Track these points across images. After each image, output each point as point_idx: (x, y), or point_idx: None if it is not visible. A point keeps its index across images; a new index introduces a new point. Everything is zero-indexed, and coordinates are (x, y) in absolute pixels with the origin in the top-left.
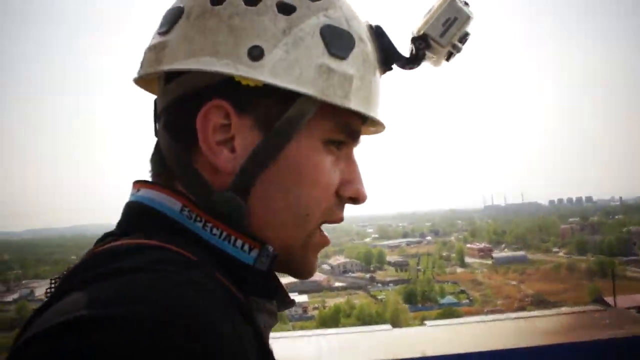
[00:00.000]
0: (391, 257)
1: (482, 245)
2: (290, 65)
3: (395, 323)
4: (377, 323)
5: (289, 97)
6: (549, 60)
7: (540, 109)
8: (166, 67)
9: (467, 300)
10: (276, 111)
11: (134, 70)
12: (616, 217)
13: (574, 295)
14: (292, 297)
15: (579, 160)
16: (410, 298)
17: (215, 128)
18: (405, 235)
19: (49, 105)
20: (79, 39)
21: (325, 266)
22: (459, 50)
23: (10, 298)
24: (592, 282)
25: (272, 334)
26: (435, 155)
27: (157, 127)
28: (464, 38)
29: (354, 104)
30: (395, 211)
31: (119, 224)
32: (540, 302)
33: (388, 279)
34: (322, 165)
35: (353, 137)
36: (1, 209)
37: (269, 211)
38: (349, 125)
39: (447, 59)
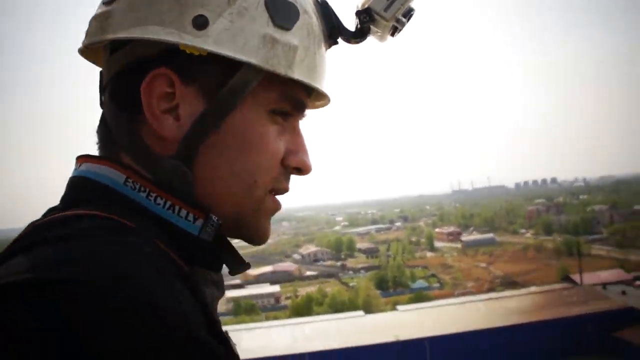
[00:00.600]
0: (361, 245)
1: (451, 229)
2: (235, 34)
3: (368, 309)
4: (349, 310)
5: (233, 66)
6: (515, 42)
7: (505, 92)
8: (110, 35)
9: (438, 284)
10: (220, 80)
11: None
12: (580, 197)
13: (542, 275)
14: (247, 261)
15: (544, 143)
16: (381, 284)
17: (160, 96)
18: (374, 222)
19: (49, 98)
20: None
21: (296, 255)
22: (402, 25)
23: None
24: (559, 262)
25: (245, 325)
26: (402, 142)
27: (103, 98)
28: (408, 13)
29: (297, 74)
30: (363, 199)
31: (62, 198)
32: (509, 283)
33: (359, 266)
34: (266, 134)
35: (298, 109)
36: (3, 205)
37: (215, 179)
38: (294, 96)
39: (392, 34)
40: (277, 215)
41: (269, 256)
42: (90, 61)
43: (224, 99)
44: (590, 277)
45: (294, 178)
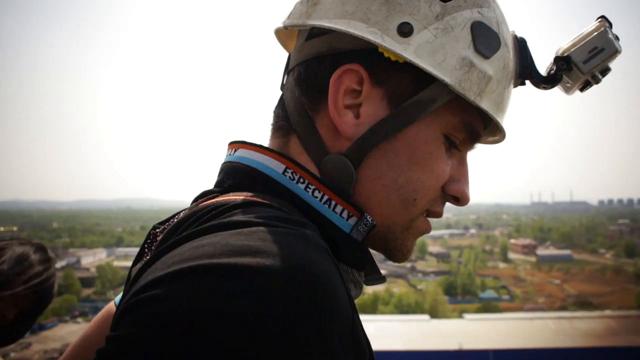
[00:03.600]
0: (433, 248)
1: (526, 241)
2: (435, 49)
3: (434, 314)
4: (415, 313)
5: (424, 80)
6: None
7: (594, 105)
8: (315, 22)
9: (508, 296)
10: (409, 90)
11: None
12: None
13: (620, 299)
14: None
15: (632, 161)
16: (450, 290)
17: (347, 91)
18: (448, 227)
19: (102, 77)
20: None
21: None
22: (597, 81)
23: (57, 265)
24: (639, 287)
25: None
26: (482, 148)
27: (285, 80)
28: (605, 71)
29: (484, 104)
30: None
31: (218, 182)
32: (583, 303)
33: (429, 269)
34: (437, 155)
35: (472, 139)
36: (53, 179)
37: (377, 186)
38: (472, 125)
39: (582, 89)
40: None
41: None
42: (279, 42)
43: (408, 110)
44: None
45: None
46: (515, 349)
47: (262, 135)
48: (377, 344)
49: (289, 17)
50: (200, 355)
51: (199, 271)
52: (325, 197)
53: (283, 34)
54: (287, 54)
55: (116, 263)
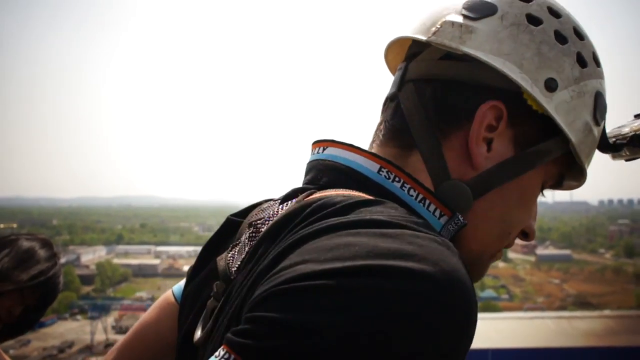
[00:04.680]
0: None
1: None
2: (569, 110)
3: None
4: None
5: (548, 132)
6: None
7: None
8: (471, 50)
9: (507, 296)
10: (534, 138)
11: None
12: None
13: (619, 299)
14: None
15: (633, 162)
16: None
17: (487, 124)
18: None
19: (103, 75)
20: None
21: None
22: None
23: None
24: (638, 287)
25: None
26: None
27: (400, 87)
28: None
29: (586, 166)
30: None
31: (312, 179)
32: (582, 303)
33: None
34: (535, 198)
35: (556, 186)
36: (53, 176)
37: (486, 217)
38: (564, 177)
39: (627, 159)
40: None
41: None
42: (388, 44)
43: (531, 157)
44: None
45: None
46: (514, 348)
47: (267, 132)
48: None
49: (435, 34)
50: (375, 351)
51: (362, 271)
52: (420, 196)
53: (398, 42)
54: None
55: (116, 260)
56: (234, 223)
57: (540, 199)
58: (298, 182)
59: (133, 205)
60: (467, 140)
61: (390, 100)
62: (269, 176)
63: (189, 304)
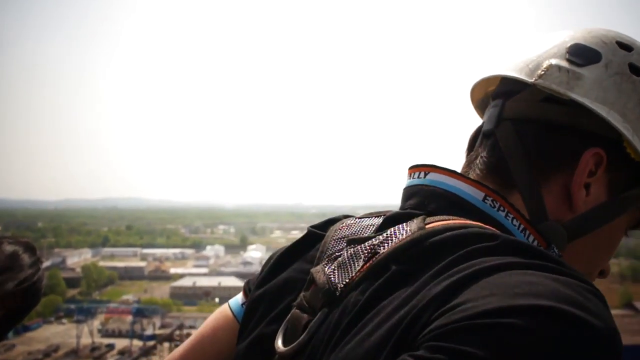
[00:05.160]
0: None
1: None
2: None
3: None
4: None
5: (638, 178)
6: None
7: None
8: (578, 97)
9: None
10: (626, 184)
11: None
12: None
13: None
14: None
15: None
16: None
17: (588, 170)
18: None
19: (87, 77)
20: None
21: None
22: None
23: (42, 265)
24: (622, 287)
25: None
26: (438, 154)
27: (499, 122)
28: None
29: None
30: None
31: (417, 205)
32: None
33: None
34: (620, 241)
35: (637, 227)
36: (39, 178)
37: (576, 256)
38: None
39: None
40: (338, 210)
41: None
42: (480, 80)
43: (623, 202)
44: None
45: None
46: None
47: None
48: None
49: (542, 78)
50: None
51: (551, 313)
52: (522, 227)
53: (488, 79)
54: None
55: (102, 263)
56: (316, 236)
57: None
58: (286, 185)
59: (119, 207)
60: (566, 183)
61: (486, 136)
62: (255, 179)
63: (264, 309)
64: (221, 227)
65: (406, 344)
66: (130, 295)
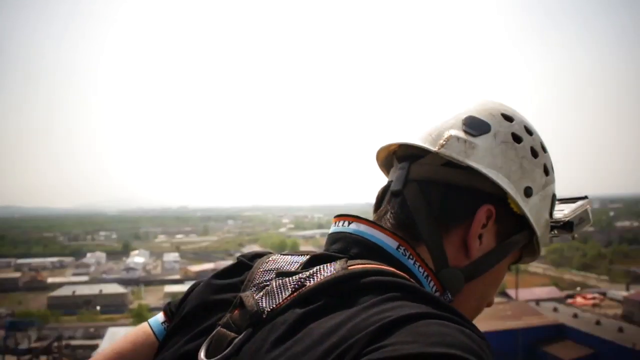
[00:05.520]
0: (305, 248)
1: None
2: (538, 210)
3: None
4: None
5: (520, 226)
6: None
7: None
8: (474, 164)
9: None
10: (510, 231)
11: None
12: None
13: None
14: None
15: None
16: None
17: (481, 223)
18: (320, 227)
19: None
20: None
21: (238, 254)
22: (573, 237)
23: None
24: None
25: None
26: (352, 150)
27: (406, 183)
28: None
29: (542, 252)
30: (311, 203)
31: (341, 249)
32: None
33: None
34: (504, 276)
35: (516, 262)
36: None
37: (470, 296)
38: (522, 256)
39: (555, 237)
40: (223, 213)
41: (211, 253)
42: (387, 145)
43: (508, 246)
44: (525, 293)
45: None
46: None
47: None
48: None
49: (443, 147)
50: None
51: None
52: (426, 274)
53: (392, 148)
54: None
55: None
56: (244, 265)
57: None
58: (169, 189)
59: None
60: (463, 235)
61: (395, 195)
62: (137, 183)
63: (187, 328)
64: (102, 233)
65: None
66: (3, 308)
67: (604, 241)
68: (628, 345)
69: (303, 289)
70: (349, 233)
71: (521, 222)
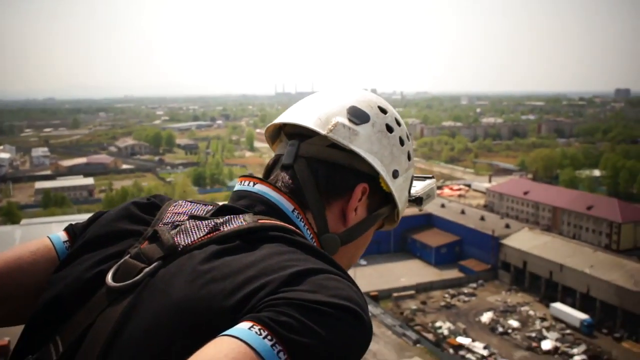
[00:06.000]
0: (181, 140)
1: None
2: (402, 189)
3: None
4: None
5: (386, 201)
6: None
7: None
8: (356, 148)
9: None
10: (378, 205)
11: None
12: (397, 109)
13: None
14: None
15: (365, 56)
16: (199, 180)
17: (358, 197)
18: (195, 119)
19: None
20: None
21: (112, 148)
22: (420, 210)
23: None
24: None
25: (57, 218)
26: (229, 40)
27: (295, 159)
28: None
29: (399, 219)
30: (185, 94)
31: (247, 206)
32: None
33: (177, 161)
34: (370, 240)
35: (379, 229)
36: None
37: (344, 256)
38: (384, 224)
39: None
40: (94, 105)
41: (83, 147)
42: (279, 121)
43: (376, 217)
44: None
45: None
46: None
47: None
48: None
49: (331, 132)
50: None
51: (352, 311)
52: (311, 236)
53: (279, 126)
54: None
55: None
56: (150, 205)
57: (284, 90)
58: (35, 79)
59: None
60: (343, 206)
61: (285, 167)
62: None
63: (91, 253)
64: None
65: (248, 302)
66: None
67: (470, 136)
68: (488, 232)
69: (218, 232)
70: (254, 192)
71: (387, 198)
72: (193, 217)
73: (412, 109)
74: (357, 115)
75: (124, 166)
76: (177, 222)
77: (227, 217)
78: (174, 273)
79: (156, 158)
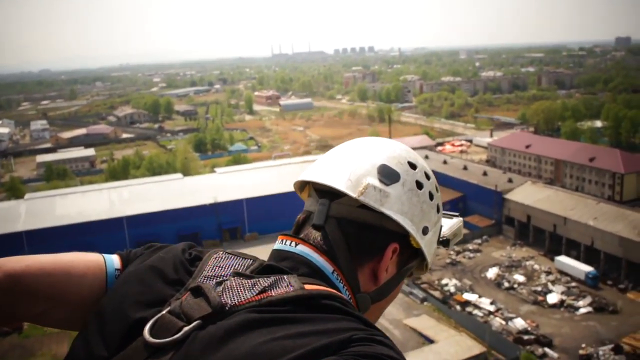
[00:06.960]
0: (179, 107)
1: (270, 92)
2: (431, 244)
3: (186, 172)
4: (167, 173)
5: (416, 255)
6: None
7: None
8: (387, 211)
9: (256, 147)
10: (407, 260)
11: None
12: (395, 66)
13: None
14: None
15: (363, 12)
16: (199, 146)
17: (390, 258)
18: (193, 84)
19: None
20: None
21: (111, 117)
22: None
23: None
24: (372, 127)
25: (60, 191)
26: (222, 2)
27: (327, 219)
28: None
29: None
30: (182, 59)
31: (291, 268)
32: (325, 146)
33: (177, 128)
34: (399, 293)
35: (408, 278)
36: None
37: (374, 310)
38: (413, 274)
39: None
40: (90, 74)
41: (82, 118)
42: (299, 187)
43: (405, 272)
44: None
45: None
46: (266, 195)
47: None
48: (133, 208)
49: (362, 194)
50: None
51: None
52: (349, 296)
53: (305, 184)
54: None
55: None
56: (195, 253)
57: (280, 51)
58: (28, 51)
59: None
60: (374, 267)
61: (316, 227)
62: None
63: (136, 290)
64: None
65: None
66: None
67: (470, 91)
68: (491, 188)
69: (266, 294)
70: (297, 254)
71: (417, 252)
72: (237, 274)
73: (410, 65)
74: (388, 175)
75: (124, 135)
76: (220, 278)
77: (272, 279)
78: (221, 338)
79: (156, 125)
